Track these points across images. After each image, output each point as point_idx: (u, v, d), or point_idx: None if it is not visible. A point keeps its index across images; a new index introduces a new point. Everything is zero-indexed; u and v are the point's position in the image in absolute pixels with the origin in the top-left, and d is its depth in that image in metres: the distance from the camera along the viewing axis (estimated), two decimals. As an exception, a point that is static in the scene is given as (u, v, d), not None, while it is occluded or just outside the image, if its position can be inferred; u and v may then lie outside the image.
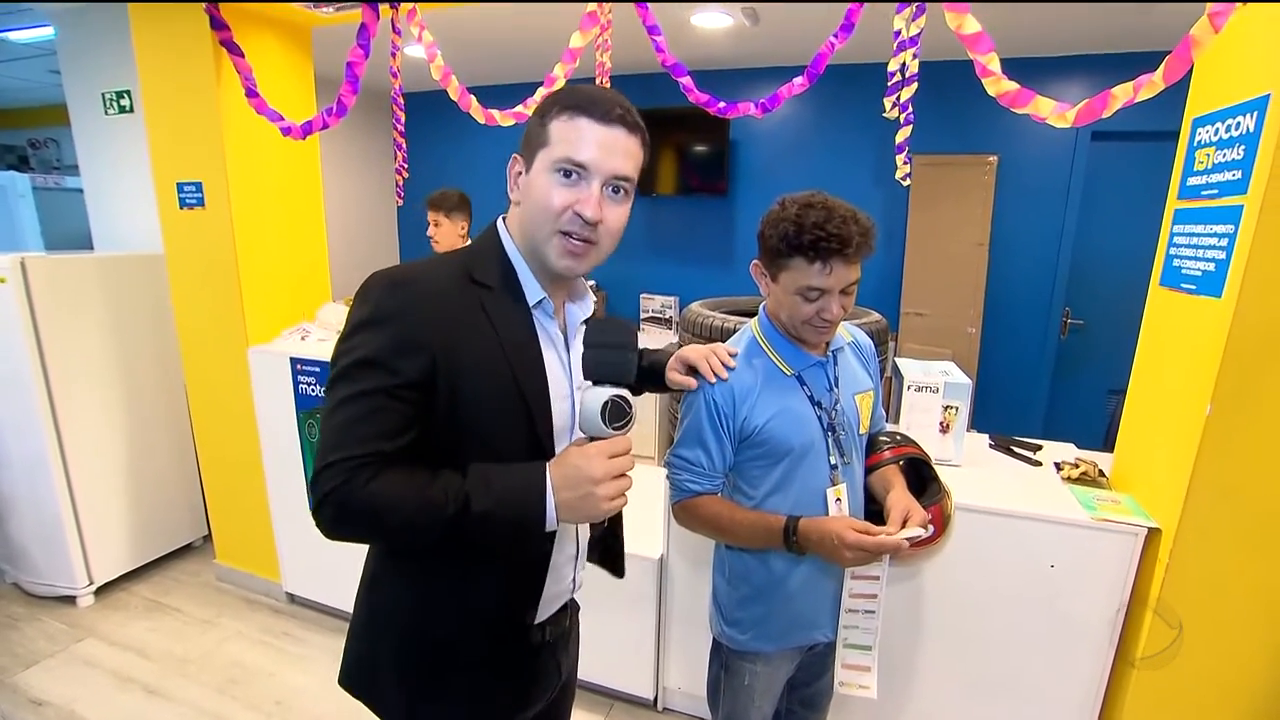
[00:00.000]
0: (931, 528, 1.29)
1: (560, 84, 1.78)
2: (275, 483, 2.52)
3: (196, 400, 2.66)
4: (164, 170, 2.42)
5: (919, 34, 1.46)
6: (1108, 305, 3.63)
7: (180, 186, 2.40)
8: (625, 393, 0.83)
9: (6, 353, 2.42)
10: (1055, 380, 3.84)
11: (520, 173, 0.89)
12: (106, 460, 2.67)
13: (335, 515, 0.78)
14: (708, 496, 1.27)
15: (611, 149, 0.84)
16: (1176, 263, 1.57)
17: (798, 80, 1.61)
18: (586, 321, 0.96)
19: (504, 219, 0.94)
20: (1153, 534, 1.52)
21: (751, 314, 1.33)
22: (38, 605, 2.64)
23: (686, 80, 1.69)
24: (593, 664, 2.13)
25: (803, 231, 1.08)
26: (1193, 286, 1.48)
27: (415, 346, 0.80)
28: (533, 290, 0.90)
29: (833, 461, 1.26)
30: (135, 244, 2.92)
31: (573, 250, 0.86)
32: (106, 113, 2.87)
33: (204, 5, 2.15)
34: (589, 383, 0.83)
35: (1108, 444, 2.00)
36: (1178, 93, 1.53)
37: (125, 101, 2.80)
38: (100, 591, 2.69)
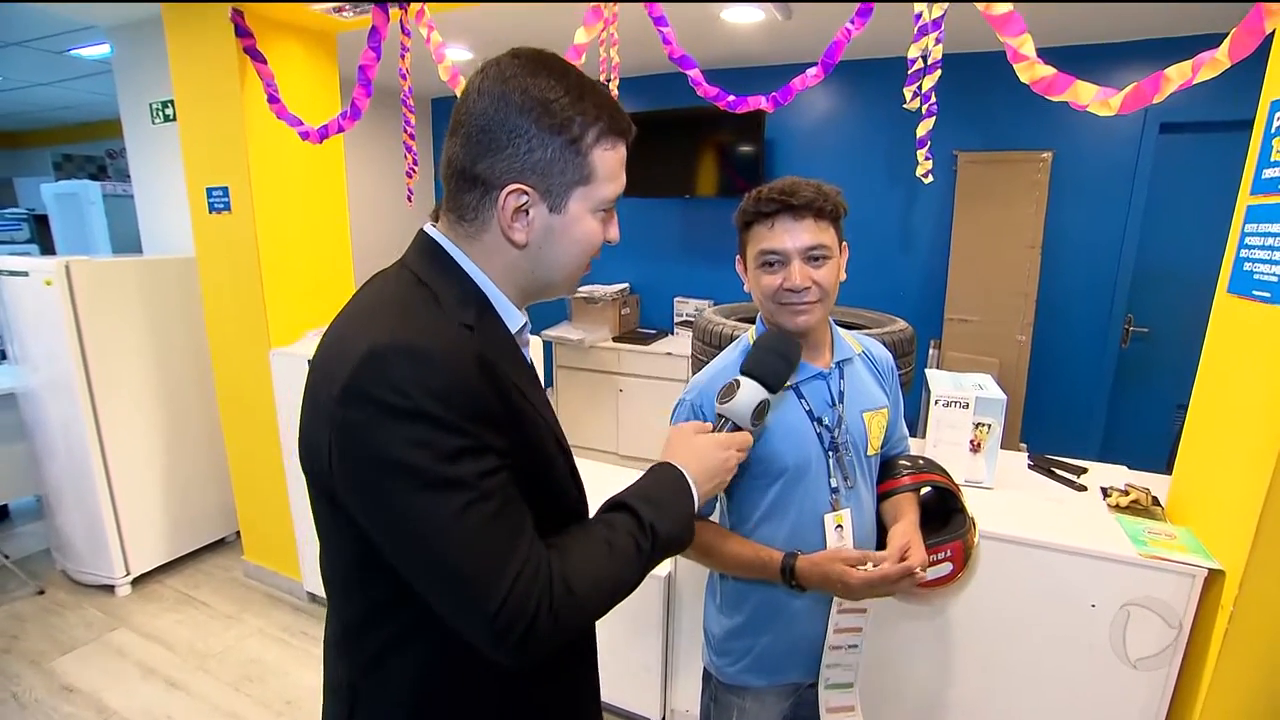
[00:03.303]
0: (950, 566, 1.16)
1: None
2: (296, 483, 2.54)
3: (224, 401, 2.71)
4: (195, 176, 2.47)
5: (942, 17, 1.31)
6: (1177, 312, 3.30)
7: (209, 191, 2.44)
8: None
9: (54, 352, 2.52)
10: (1115, 393, 3.53)
11: (529, 209, 0.71)
12: (144, 456, 2.75)
13: (552, 628, 0.64)
14: (699, 521, 1.17)
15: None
16: (1248, 266, 1.36)
17: (811, 71, 1.49)
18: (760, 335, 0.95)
19: (450, 241, 0.74)
20: (1214, 575, 1.32)
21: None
22: (81, 593, 2.74)
23: (695, 73, 1.59)
24: (600, 678, 2.05)
25: (756, 198, 1.08)
26: (1266, 294, 1.28)
27: (487, 415, 0.66)
28: (514, 317, 0.77)
29: (834, 484, 1.13)
30: (179, 248, 3.00)
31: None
32: (154, 122, 2.96)
33: (229, 14, 2.17)
34: (742, 375, 0.92)
35: (1171, 466, 1.78)
36: (1260, 75, 1.33)
37: (169, 111, 2.88)
38: (137, 582, 2.77)
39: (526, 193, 0.69)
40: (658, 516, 0.76)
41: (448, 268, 0.73)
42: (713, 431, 0.90)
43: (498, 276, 0.74)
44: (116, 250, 3.68)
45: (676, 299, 4.38)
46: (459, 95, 0.71)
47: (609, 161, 0.73)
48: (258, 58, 2.19)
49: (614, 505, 0.78)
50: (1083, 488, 1.67)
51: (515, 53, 0.71)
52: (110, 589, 2.71)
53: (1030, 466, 1.79)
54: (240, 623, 2.55)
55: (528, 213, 0.70)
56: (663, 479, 0.82)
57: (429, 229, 0.76)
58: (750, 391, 0.88)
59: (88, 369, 2.53)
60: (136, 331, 2.69)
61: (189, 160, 2.47)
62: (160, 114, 2.94)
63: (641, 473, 0.84)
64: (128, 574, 2.72)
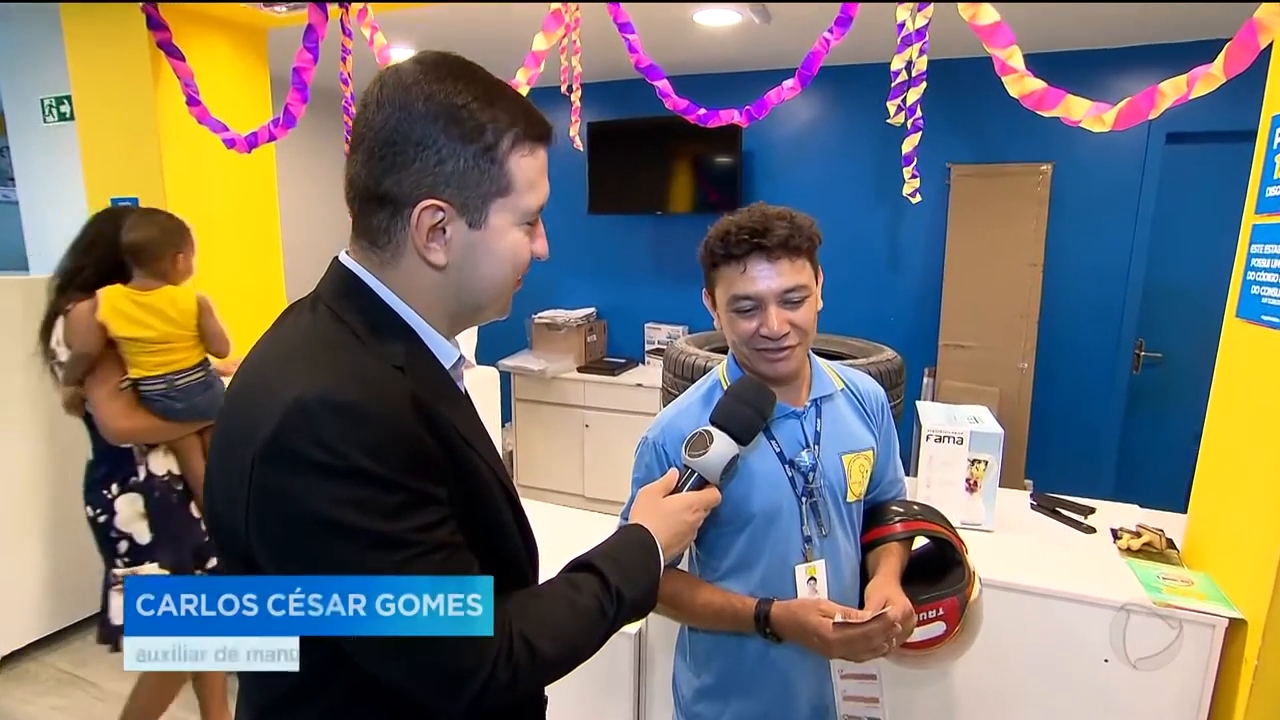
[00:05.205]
0: (943, 626, 1.17)
1: (524, 91, 1.74)
2: (209, 537, 2.46)
3: (126, 442, 2.62)
4: (97, 184, 2.43)
5: (925, 26, 1.38)
6: (1191, 334, 3.43)
7: (115, 203, 2.40)
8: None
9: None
10: (1128, 423, 3.64)
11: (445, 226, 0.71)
12: (19, 510, 2.63)
13: (509, 682, 0.68)
14: (666, 570, 1.17)
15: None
16: (1256, 290, 1.44)
17: (788, 83, 1.55)
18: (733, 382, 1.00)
19: (365, 271, 0.74)
20: (1236, 625, 1.36)
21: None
22: (-66, 677, 2.59)
23: (663, 84, 1.64)
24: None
25: (723, 237, 1.09)
26: (1276, 320, 1.35)
27: (425, 464, 0.67)
28: (446, 352, 0.78)
29: (807, 533, 1.14)
30: (74, 266, 2.93)
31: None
32: (45, 120, 2.91)
33: (140, 4, 2.17)
34: (711, 425, 0.97)
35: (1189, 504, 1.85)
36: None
37: (65, 108, 2.84)
38: (6, 662, 2.62)
39: (441, 208, 0.69)
40: (624, 580, 0.80)
41: (367, 302, 0.73)
42: (679, 480, 0.96)
43: (422, 306, 0.75)
44: (-8, 264, 3.57)
45: (647, 325, 4.42)
46: (357, 108, 0.72)
47: (528, 169, 0.73)
48: (174, 54, 2.18)
49: (579, 565, 0.82)
50: (1091, 529, 1.71)
51: (417, 58, 0.72)
52: (-28, 671, 2.58)
53: (1034, 507, 1.83)
54: (136, 705, 2.43)
55: (444, 230, 0.71)
56: (631, 542, 0.86)
57: (344, 258, 0.76)
58: (722, 448, 0.94)
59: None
60: (17, 363, 2.58)
61: (90, 167, 2.44)
62: (54, 111, 2.88)
63: (610, 518, 0.86)
64: (-6, 652, 2.59)
